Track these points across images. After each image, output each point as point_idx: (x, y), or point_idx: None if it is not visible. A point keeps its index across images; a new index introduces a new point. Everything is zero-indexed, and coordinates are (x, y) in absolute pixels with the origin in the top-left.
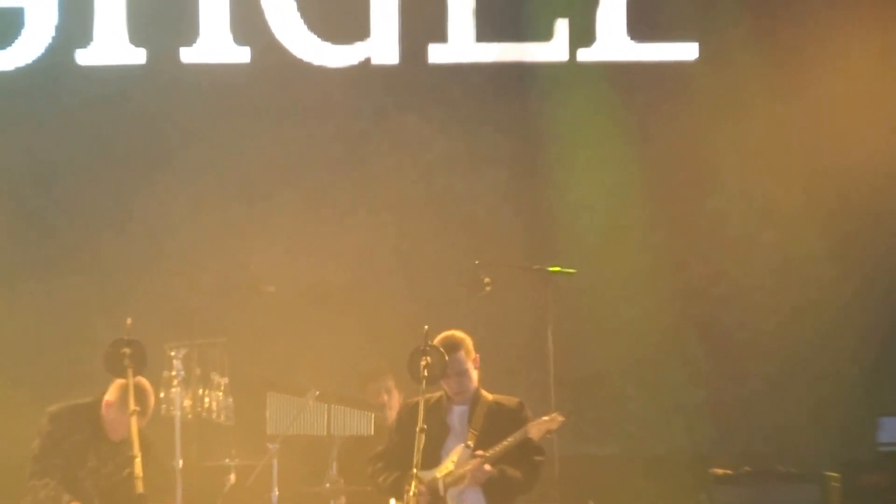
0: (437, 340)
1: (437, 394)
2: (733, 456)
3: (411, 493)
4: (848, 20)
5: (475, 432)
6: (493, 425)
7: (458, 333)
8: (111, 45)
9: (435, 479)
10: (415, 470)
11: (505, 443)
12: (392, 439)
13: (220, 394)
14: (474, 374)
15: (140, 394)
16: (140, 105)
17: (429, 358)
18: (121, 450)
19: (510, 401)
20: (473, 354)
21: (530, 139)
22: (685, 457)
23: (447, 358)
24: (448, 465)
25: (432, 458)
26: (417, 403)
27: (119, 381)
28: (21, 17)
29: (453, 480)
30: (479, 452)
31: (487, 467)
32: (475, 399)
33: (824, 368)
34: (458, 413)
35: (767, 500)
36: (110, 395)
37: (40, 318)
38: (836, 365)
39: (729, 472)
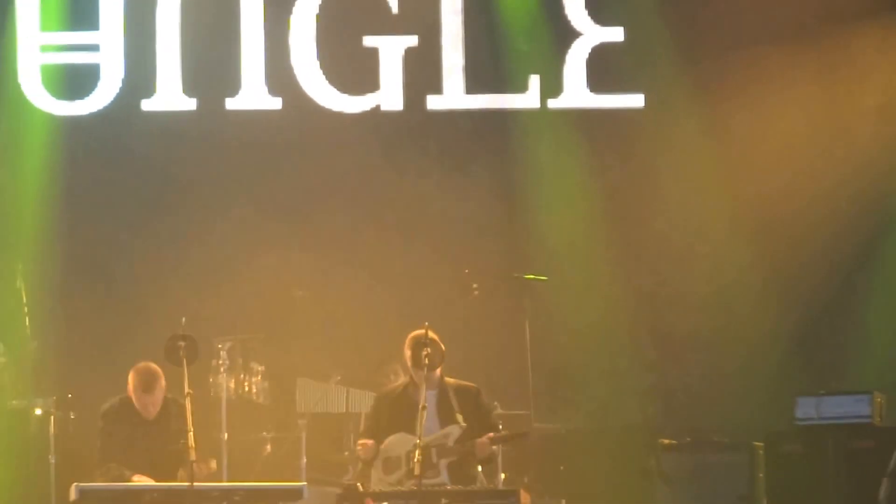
0: (410, 337)
1: (402, 381)
2: (677, 429)
3: (415, 461)
4: (765, 75)
5: (461, 414)
6: (463, 406)
7: (430, 332)
8: (169, 95)
9: (427, 448)
10: (418, 440)
11: (509, 434)
12: (370, 422)
13: (259, 379)
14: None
15: (154, 377)
16: (192, 143)
17: (429, 349)
18: (159, 427)
19: (469, 385)
20: (443, 347)
21: (509, 172)
22: (637, 430)
23: (429, 349)
24: (440, 439)
25: (409, 432)
26: (389, 391)
27: (133, 370)
28: (97, 72)
29: (445, 452)
30: (490, 435)
31: (492, 447)
32: (441, 385)
33: (750, 357)
34: (427, 396)
35: (705, 465)
36: (129, 383)
37: (113, 317)
38: (760, 354)
39: (674, 441)
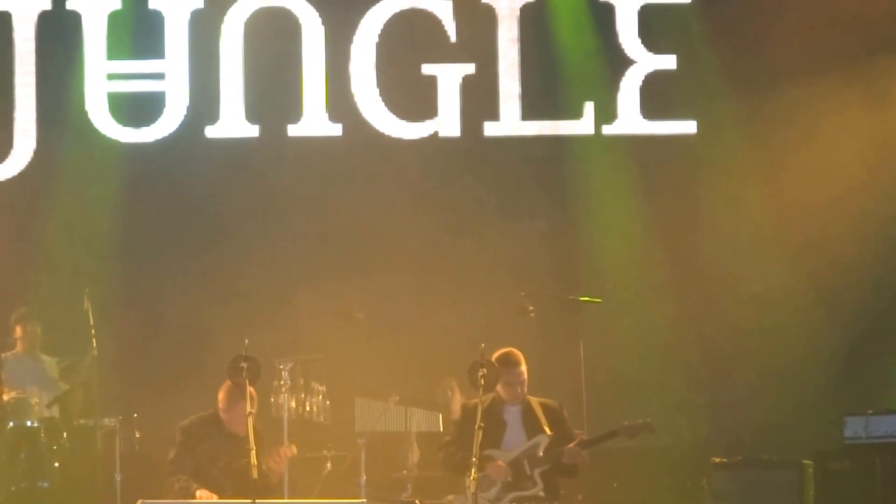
0: (499, 354)
1: (491, 395)
2: (727, 447)
3: (472, 478)
4: (815, 102)
5: (547, 426)
6: (548, 419)
7: (517, 351)
8: (232, 122)
9: (519, 461)
10: (474, 458)
11: (596, 436)
12: (456, 431)
13: (319, 398)
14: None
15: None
16: (254, 169)
17: (485, 370)
18: (245, 445)
19: (552, 402)
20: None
21: (564, 196)
22: (688, 448)
23: (515, 370)
24: (530, 450)
25: (494, 446)
26: (476, 405)
27: (223, 388)
28: (162, 99)
29: (537, 462)
30: (579, 439)
31: (584, 453)
32: (525, 401)
33: (798, 376)
34: (512, 412)
35: (755, 483)
36: (220, 402)
37: (177, 338)
38: (808, 373)
39: (724, 460)
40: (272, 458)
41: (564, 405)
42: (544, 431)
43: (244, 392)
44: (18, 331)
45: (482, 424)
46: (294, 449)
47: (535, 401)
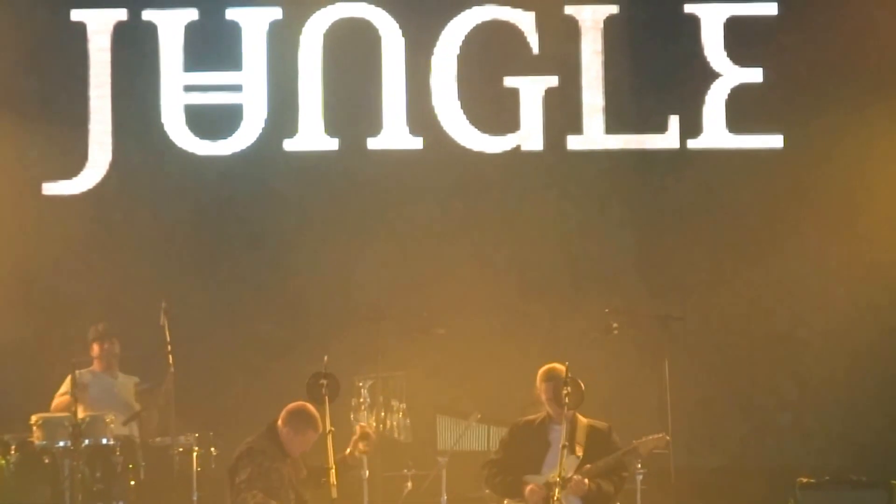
0: (542, 371)
1: (541, 414)
2: (815, 467)
3: (555, 499)
4: None
5: (581, 447)
6: (592, 443)
7: (559, 366)
8: (311, 135)
9: (550, 483)
10: (557, 477)
11: (604, 461)
12: (502, 450)
13: (399, 416)
14: None
15: (314, 424)
16: (333, 183)
17: (569, 388)
18: (301, 462)
19: (602, 424)
20: (583, 388)
21: (649, 211)
22: (776, 468)
23: (546, 385)
24: (561, 473)
25: (534, 467)
26: (527, 422)
27: (287, 411)
28: (240, 112)
29: (563, 485)
30: (587, 467)
31: (585, 482)
32: (573, 421)
33: (886, 397)
34: (556, 431)
35: (843, 503)
36: (281, 419)
37: (255, 355)
38: None
39: (812, 480)
40: (356, 450)
41: (615, 428)
42: (574, 452)
43: (311, 421)
44: (96, 348)
45: (552, 441)
46: (365, 430)
47: (584, 421)
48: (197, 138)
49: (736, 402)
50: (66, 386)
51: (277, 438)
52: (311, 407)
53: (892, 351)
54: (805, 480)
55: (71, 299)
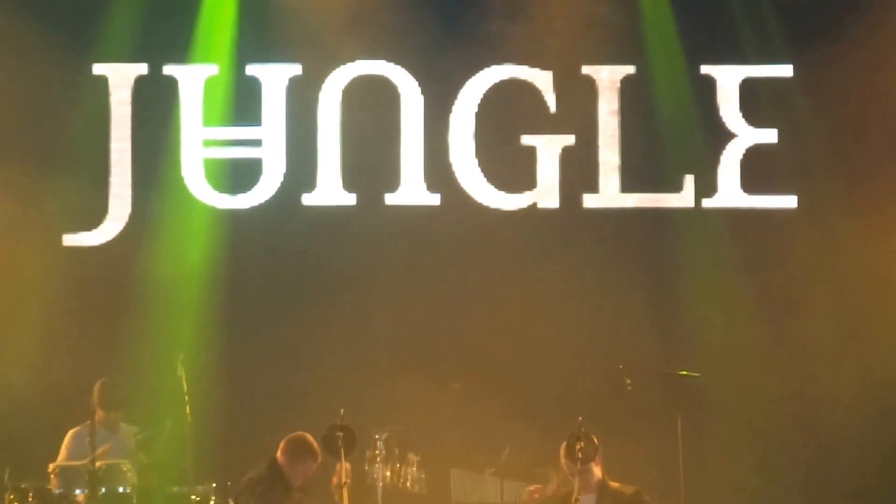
0: (564, 447)
1: (567, 489)
2: None
3: None
4: None
5: None
6: None
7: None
8: (329, 190)
9: None
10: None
11: None
12: None
13: (414, 469)
14: (596, 469)
15: (313, 452)
16: (351, 237)
17: (582, 443)
18: (301, 493)
19: (628, 489)
20: (596, 442)
21: (664, 269)
22: None
23: (582, 443)
24: None
25: None
26: (553, 496)
27: (286, 441)
28: (259, 166)
29: None
30: None
31: None
32: (602, 488)
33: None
34: (585, 501)
35: None
36: (279, 452)
37: (271, 406)
38: None
39: None
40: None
41: (644, 491)
42: None
43: (309, 450)
44: (100, 415)
45: (579, 499)
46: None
47: (612, 487)
48: (216, 192)
49: (747, 459)
50: (66, 442)
51: (280, 472)
52: (309, 436)
53: None
54: None
55: (90, 349)
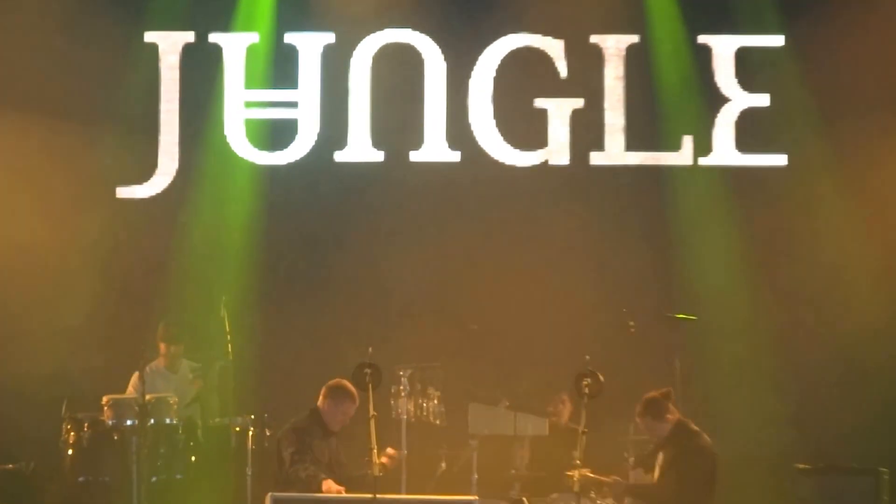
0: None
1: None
2: (811, 455)
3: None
4: None
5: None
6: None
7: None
8: (359, 148)
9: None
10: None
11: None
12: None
13: (435, 403)
14: (665, 424)
15: (352, 396)
16: (379, 191)
17: (589, 380)
18: (338, 438)
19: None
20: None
21: (663, 222)
22: (774, 455)
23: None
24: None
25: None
26: (570, 428)
27: (325, 388)
28: (295, 126)
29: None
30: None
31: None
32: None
33: (878, 391)
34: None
35: (836, 487)
36: (320, 399)
37: (307, 345)
38: (886, 388)
39: (808, 466)
40: (385, 457)
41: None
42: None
43: (350, 393)
44: (162, 347)
45: (577, 427)
46: (401, 452)
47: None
48: (256, 149)
49: (740, 397)
50: (131, 384)
51: (320, 419)
52: (347, 381)
53: (884, 349)
54: (802, 467)
55: (141, 293)
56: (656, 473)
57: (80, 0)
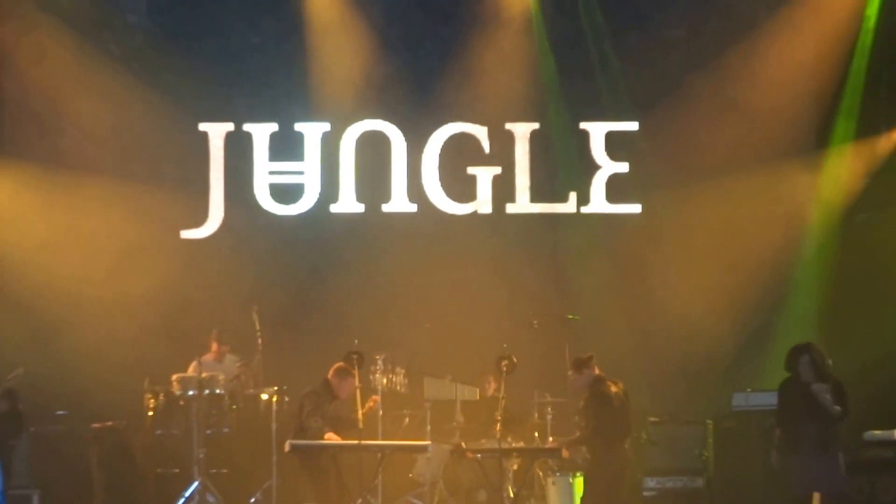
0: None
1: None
2: (660, 410)
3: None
4: (723, 194)
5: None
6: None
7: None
8: (347, 202)
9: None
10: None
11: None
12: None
13: (401, 377)
14: (582, 376)
15: (352, 373)
16: (362, 233)
17: (506, 361)
18: (341, 403)
19: (617, 385)
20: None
21: (557, 251)
22: (636, 412)
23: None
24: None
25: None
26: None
27: (335, 368)
28: (303, 188)
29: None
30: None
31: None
32: (592, 387)
33: (708, 366)
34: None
35: (677, 434)
36: (331, 374)
37: (313, 338)
38: (713, 365)
39: (657, 419)
40: (364, 408)
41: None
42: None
43: (352, 373)
44: (214, 346)
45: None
46: (376, 399)
47: (602, 386)
48: (276, 203)
49: (612, 373)
50: (191, 367)
51: (330, 388)
52: (349, 365)
53: (713, 339)
54: (653, 419)
55: (195, 304)
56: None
57: (157, 98)
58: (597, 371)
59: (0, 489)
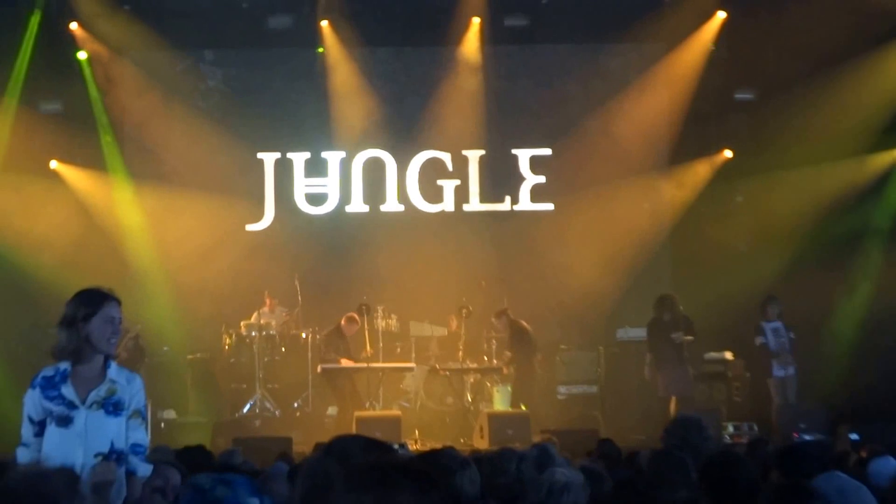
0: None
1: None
2: (569, 341)
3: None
4: (614, 203)
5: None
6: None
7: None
8: (357, 204)
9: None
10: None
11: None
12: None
13: (394, 321)
14: (500, 322)
15: (357, 319)
16: (368, 227)
17: (465, 309)
18: (350, 340)
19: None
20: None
21: (499, 237)
22: (554, 340)
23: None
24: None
25: None
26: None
27: (346, 316)
28: (327, 195)
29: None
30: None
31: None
32: (510, 328)
33: (599, 311)
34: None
35: (578, 357)
36: (343, 321)
37: (337, 296)
38: (602, 309)
39: (565, 347)
40: (365, 351)
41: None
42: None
43: (356, 320)
44: (268, 301)
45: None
46: (371, 351)
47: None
48: (309, 206)
49: (534, 318)
50: (253, 316)
51: (341, 331)
52: (355, 314)
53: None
54: (563, 347)
55: (256, 274)
56: None
57: (229, 136)
58: (511, 316)
59: (143, 447)
